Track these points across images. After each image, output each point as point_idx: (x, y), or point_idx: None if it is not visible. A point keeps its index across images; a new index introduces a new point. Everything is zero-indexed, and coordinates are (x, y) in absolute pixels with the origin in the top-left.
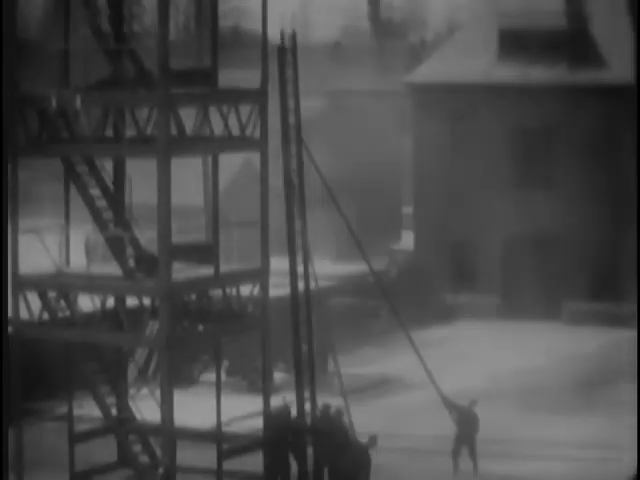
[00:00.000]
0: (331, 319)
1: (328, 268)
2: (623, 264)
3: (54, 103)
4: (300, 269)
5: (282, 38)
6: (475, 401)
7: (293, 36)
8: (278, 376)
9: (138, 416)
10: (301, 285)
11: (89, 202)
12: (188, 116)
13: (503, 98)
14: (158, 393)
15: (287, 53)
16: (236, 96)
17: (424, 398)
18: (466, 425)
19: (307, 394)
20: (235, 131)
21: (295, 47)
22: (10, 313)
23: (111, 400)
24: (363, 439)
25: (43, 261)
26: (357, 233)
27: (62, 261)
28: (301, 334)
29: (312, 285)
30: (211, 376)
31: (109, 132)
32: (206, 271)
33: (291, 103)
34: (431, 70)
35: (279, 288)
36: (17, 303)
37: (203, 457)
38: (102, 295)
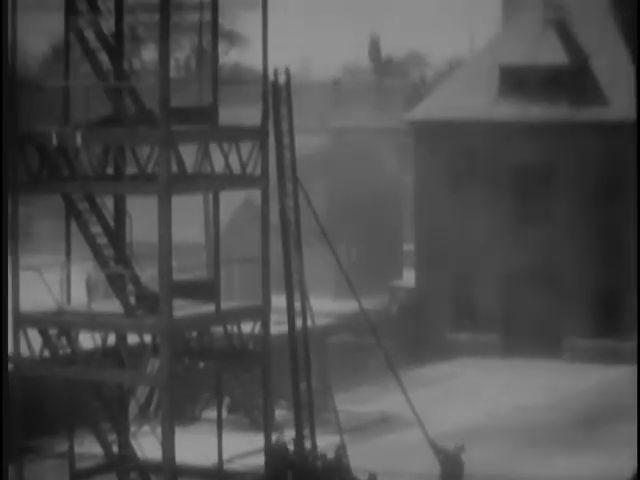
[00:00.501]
0: (329, 357)
1: (328, 305)
2: (623, 301)
3: (54, 140)
4: (298, 306)
5: (276, 75)
6: (462, 446)
7: (287, 73)
8: (279, 413)
9: (139, 454)
10: (300, 322)
11: (90, 239)
12: (189, 153)
13: (504, 135)
14: (159, 430)
15: (281, 90)
16: (237, 134)
17: (423, 436)
18: (451, 468)
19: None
20: (236, 168)
21: (289, 84)
22: (11, 350)
23: (112, 437)
24: (362, 477)
25: (44, 298)
26: (358, 270)
27: (63, 298)
28: (300, 372)
29: (309, 322)
30: (212, 413)
31: (110, 170)
32: (207, 308)
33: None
34: (432, 107)
35: (280, 325)
36: (18, 340)
37: None
38: (103, 332)
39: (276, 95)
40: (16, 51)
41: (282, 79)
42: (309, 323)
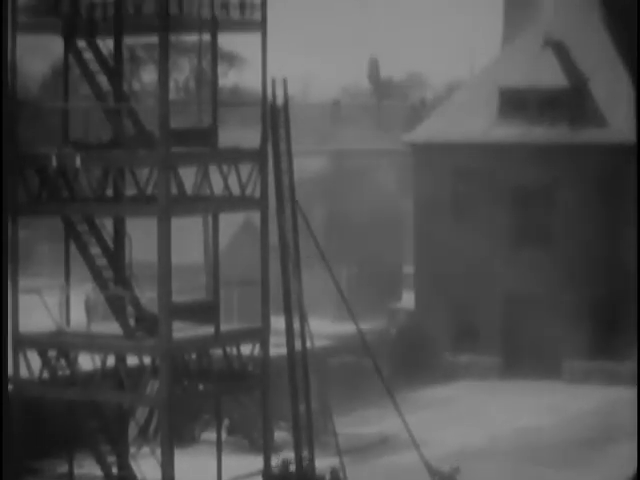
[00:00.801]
0: (329, 379)
1: (328, 327)
2: (623, 322)
3: (54, 162)
4: (297, 328)
5: (274, 97)
6: (457, 468)
7: (285, 92)
8: (279, 435)
9: (139, 475)
10: (299, 344)
11: (89, 261)
12: (188, 175)
13: (503, 157)
14: (159, 452)
15: (280, 112)
16: (236, 156)
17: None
18: None
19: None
20: (235, 190)
21: (287, 106)
22: (10, 371)
23: (112, 459)
24: None
25: (44, 320)
26: (357, 292)
27: (62, 320)
28: (300, 394)
29: (308, 344)
30: (212, 435)
31: (109, 191)
32: (206, 330)
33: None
34: (431, 129)
35: (280, 347)
36: (17, 361)
37: None
38: (102, 354)
39: (274, 117)
40: (16, 73)
41: (280, 100)
42: (308, 345)
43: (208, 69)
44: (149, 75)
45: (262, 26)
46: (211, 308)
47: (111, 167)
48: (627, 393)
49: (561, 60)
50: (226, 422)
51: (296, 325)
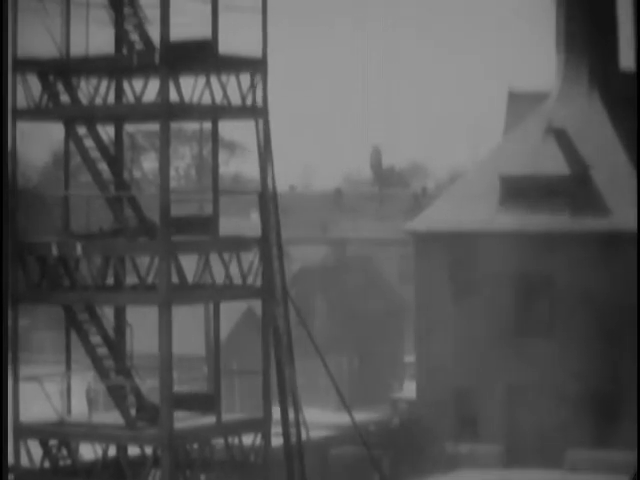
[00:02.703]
0: (330, 470)
1: (329, 417)
2: (624, 412)
3: (55, 251)
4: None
5: (264, 185)
6: None
7: (273, 185)
8: None
9: None
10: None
11: (90, 350)
12: (190, 262)
13: (505, 245)
14: None
15: (270, 200)
16: (237, 244)
17: None
18: None
19: None
20: (236, 278)
21: (275, 194)
22: (11, 461)
23: None
24: None
25: (44, 409)
26: (359, 381)
27: (63, 409)
28: None
29: (304, 435)
30: None
31: (110, 280)
32: (208, 420)
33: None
34: (433, 218)
35: (282, 437)
36: (18, 451)
37: None
38: (104, 444)
39: (265, 206)
40: (16, 160)
41: (277, 189)
42: (304, 436)
43: (209, 157)
44: (150, 163)
45: (264, 113)
46: (212, 398)
47: (112, 255)
48: None
49: (563, 148)
50: None
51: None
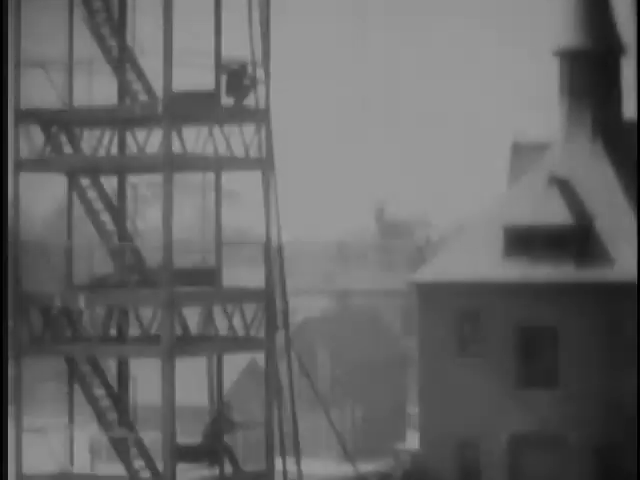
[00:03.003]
0: None
1: (332, 468)
2: (627, 463)
3: (58, 302)
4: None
5: (268, 237)
6: None
7: (279, 237)
8: None
9: None
10: None
11: (93, 402)
12: (193, 314)
13: (508, 296)
14: None
15: (280, 252)
16: (241, 295)
17: None
18: None
19: None
20: (239, 329)
21: (281, 245)
22: None
23: None
24: None
25: (47, 460)
26: (362, 431)
27: (66, 461)
28: None
29: None
30: None
31: (113, 331)
32: (211, 472)
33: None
34: (436, 269)
35: None
36: None
37: None
38: None
39: (269, 258)
40: (19, 211)
41: (281, 241)
42: None
43: (212, 208)
44: (153, 213)
45: (267, 164)
46: (215, 450)
47: (115, 307)
48: None
49: (566, 198)
50: None
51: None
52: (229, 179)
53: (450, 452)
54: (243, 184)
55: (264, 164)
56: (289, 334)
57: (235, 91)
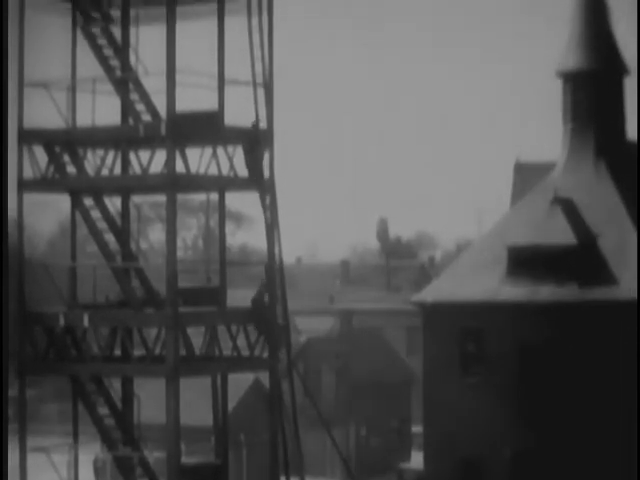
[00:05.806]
0: None
1: None
2: (629, 477)
3: (62, 321)
4: None
5: (271, 257)
6: None
7: (280, 255)
8: None
9: None
10: None
11: (97, 421)
12: (197, 334)
13: (512, 316)
14: None
15: (276, 272)
16: (245, 315)
17: None
18: None
19: None
20: (243, 349)
21: (282, 265)
22: None
23: None
24: None
25: (52, 479)
26: (366, 450)
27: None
28: None
29: None
30: None
31: (117, 351)
32: None
33: None
34: (440, 289)
35: None
36: None
37: None
38: None
39: (271, 277)
40: (22, 231)
41: (284, 260)
42: None
43: (216, 228)
44: (157, 234)
45: (270, 185)
46: (220, 469)
47: (119, 327)
48: None
49: (570, 218)
50: None
51: None
52: (237, 199)
53: (454, 471)
54: (247, 204)
55: (266, 185)
56: (291, 353)
57: (252, 169)
